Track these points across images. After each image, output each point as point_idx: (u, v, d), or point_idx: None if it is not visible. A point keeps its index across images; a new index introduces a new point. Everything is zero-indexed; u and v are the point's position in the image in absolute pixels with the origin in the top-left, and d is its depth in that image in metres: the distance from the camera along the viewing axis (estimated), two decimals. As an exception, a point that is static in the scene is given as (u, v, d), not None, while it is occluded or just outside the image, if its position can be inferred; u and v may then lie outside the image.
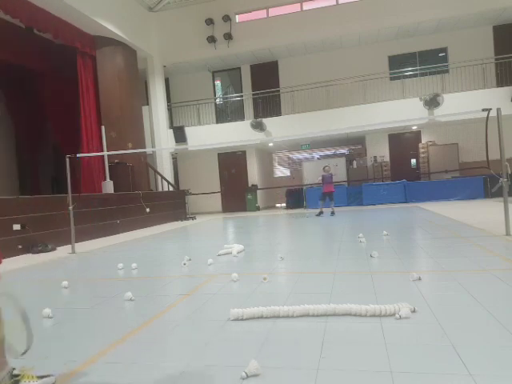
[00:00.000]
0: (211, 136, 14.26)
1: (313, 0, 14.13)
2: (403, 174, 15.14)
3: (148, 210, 10.69)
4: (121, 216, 10.19)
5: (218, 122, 16.12)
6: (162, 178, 14.11)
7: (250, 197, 15.64)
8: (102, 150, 11.60)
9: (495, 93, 12.87)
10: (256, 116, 15.32)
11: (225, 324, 2.61)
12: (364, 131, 14.59)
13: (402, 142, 15.61)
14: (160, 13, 14.76)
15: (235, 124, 15.06)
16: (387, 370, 1.82)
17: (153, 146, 14.65)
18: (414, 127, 15.12)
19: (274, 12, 14.40)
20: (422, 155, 14.83)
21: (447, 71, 14.39)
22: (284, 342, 2.24)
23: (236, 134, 14.21)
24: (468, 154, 14.55)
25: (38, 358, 2.26)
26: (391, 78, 14.92)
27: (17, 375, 1.77)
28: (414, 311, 2.55)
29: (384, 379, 1.75)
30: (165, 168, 14.67)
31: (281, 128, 14.17)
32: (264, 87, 15.59)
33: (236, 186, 16.27)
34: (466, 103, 12.26)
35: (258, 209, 15.80)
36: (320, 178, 11.22)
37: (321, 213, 11.03)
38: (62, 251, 7.08)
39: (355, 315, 2.57)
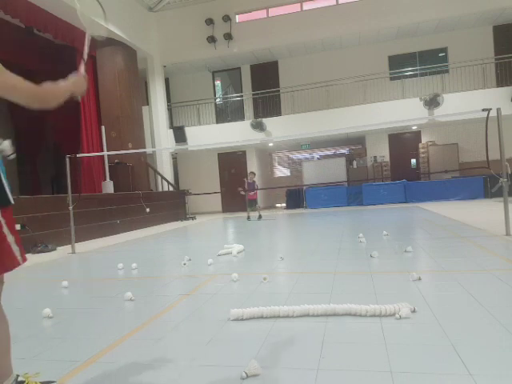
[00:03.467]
0: (211, 136, 14.25)
1: (313, 0, 14.14)
2: (403, 173, 15.15)
3: (148, 210, 10.69)
4: (121, 216, 10.19)
5: (217, 122, 16.12)
6: (162, 178, 14.11)
7: (250, 197, 15.62)
8: (102, 150, 11.60)
9: (495, 93, 12.87)
10: (256, 116, 15.32)
11: (225, 324, 2.60)
12: (364, 131, 14.59)
13: (402, 142, 15.61)
14: (160, 13, 14.76)
15: (235, 124, 15.06)
16: (387, 370, 1.82)
17: (153, 146, 14.65)
18: (414, 127, 15.12)
19: (273, 12, 14.41)
20: (422, 155, 14.84)
21: (447, 71, 14.39)
22: (284, 342, 2.24)
23: (236, 134, 14.21)
24: (468, 153, 14.55)
25: (38, 359, 2.26)
26: (391, 78, 14.92)
27: (22, 381, 1.75)
28: (413, 311, 2.54)
29: (384, 379, 1.75)
30: (165, 168, 14.67)
31: (281, 128, 14.17)
32: (264, 87, 15.60)
33: (236, 186, 16.24)
34: (465, 103, 12.25)
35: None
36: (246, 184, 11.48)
37: (249, 218, 11.21)
38: (62, 251, 7.08)
39: (355, 315, 2.57)
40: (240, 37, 14.38)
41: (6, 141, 2.06)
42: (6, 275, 1.71)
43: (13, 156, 2.12)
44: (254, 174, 11.65)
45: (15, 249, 1.61)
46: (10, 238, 1.60)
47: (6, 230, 1.58)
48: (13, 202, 1.65)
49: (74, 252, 6.78)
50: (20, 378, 1.76)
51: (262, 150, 17.25)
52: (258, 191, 15.93)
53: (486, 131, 5.92)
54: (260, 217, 11.12)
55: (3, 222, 1.58)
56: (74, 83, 1.73)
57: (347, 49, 15.28)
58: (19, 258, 1.63)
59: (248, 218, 11.22)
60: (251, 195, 11.37)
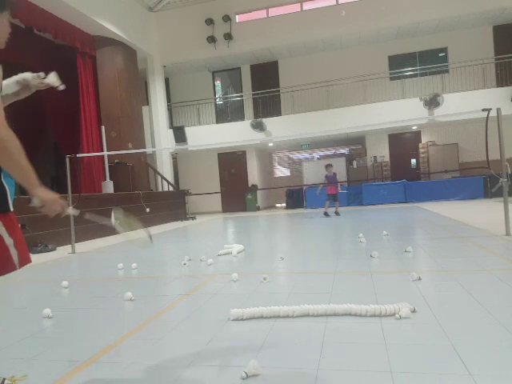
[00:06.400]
0: (211, 136, 14.25)
1: (313, 0, 14.13)
2: (403, 173, 15.14)
3: (148, 210, 10.69)
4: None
5: (217, 122, 16.11)
6: (162, 178, 14.11)
7: (250, 197, 15.64)
8: (102, 150, 11.60)
9: (495, 93, 12.87)
10: (256, 116, 15.32)
11: (225, 324, 2.60)
12: (364, 131, 14.59)
13: (402, 142, 15.61)
14: (160, 13, 14.76)
15: (235, 124, 15.06)
16: (387, 370, 1.82)
17: (153, 146, 14.65)
18: (414, 127, 15.12)
19: (273, 12, 14.41)
20: (422, 155, 14.83)
21: (447, 71, 14.39)
22: (284, 342, 2.24)
23: (236, 134, 14.21)
24: (468, 153, 14.55)
25: (38, 359, 2.26)
26: (391, 78, 14.91)
27: None
28: (413, 311, 2.54)
29: (384, 379, 1.75)
30: (165, 168, 14.67)
31: (281, 128, 14.17)
32: (264, 87, 15.59)
33: (236, 186, 16.27)
34: (466, 103, 12.26)
35: (258, 209, 15.80)
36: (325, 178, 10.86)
37: (326, 214, 10.54)
38: (62, 251, 7.08)
39: (355, 315, 2.57)
40: (240, 37, 14.38)
41: (52, 73, 2.02)
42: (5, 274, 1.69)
43: (62, 87, 2.04)
44: (332, 166, 10.82)
45: (13, 252, 1.58)
46: (9, 241, 1.56)
47: (4, 232, 1.55)
48: (12, 208, 1.61)
49: (74, 252, 6.77)
50: (6, 382, 1.74)
51: (262, 150, 17.25)
52: (259, 191, 15.98)
53: (485, 131, 5.92)
54: (326, 214, 10.49)
55: (1, 224, 1.55)
56: (45, 194, 1.56)
57: (347, 49, 15.27)
58: (16, 262, 1.60)
59: (325, 213, 10.50)
60: (331, 189, 10.55)
